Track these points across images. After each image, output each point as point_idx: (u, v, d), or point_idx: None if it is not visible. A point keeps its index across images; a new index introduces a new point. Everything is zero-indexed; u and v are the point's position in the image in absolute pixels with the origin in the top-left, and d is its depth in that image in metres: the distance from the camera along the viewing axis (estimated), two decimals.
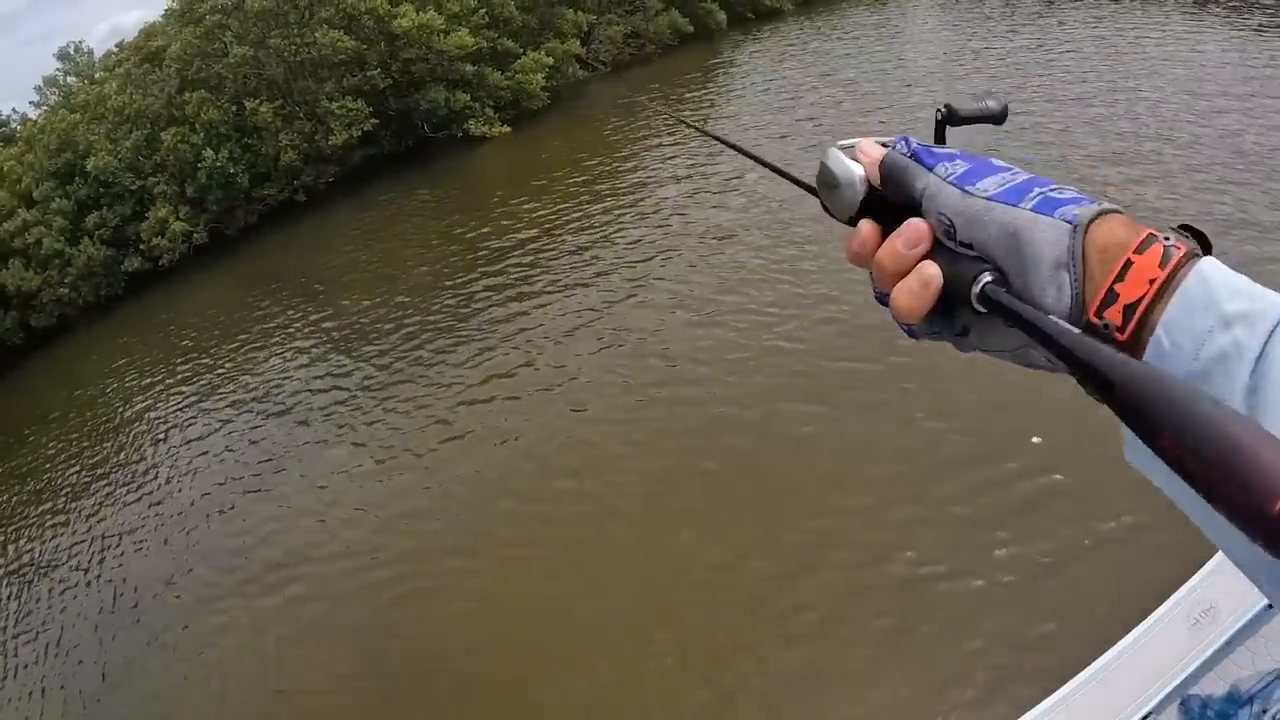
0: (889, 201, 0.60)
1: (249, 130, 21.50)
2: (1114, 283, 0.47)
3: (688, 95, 21.73)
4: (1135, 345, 0.46)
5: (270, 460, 9.95)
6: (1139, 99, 15.23)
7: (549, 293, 11.81)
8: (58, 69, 36.03)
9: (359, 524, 8.00)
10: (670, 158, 17.17)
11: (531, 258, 13.40)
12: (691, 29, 27.50)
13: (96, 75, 32.08)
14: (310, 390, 11.42)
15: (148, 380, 14.64)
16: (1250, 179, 10.84)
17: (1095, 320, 0.47)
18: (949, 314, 0.56)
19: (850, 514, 6.08)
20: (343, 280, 15.81)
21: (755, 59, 25.32)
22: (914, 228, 0.55)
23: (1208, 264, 0.46)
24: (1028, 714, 3.05)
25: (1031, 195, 0.51)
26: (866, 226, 0.59)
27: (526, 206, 15.97)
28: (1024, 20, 25.36)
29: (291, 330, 14.03)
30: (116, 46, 32.87)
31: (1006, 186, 0.52)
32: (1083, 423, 5.91)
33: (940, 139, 0.64)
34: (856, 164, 0.61)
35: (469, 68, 20.55)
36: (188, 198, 21.74)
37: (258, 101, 20.40)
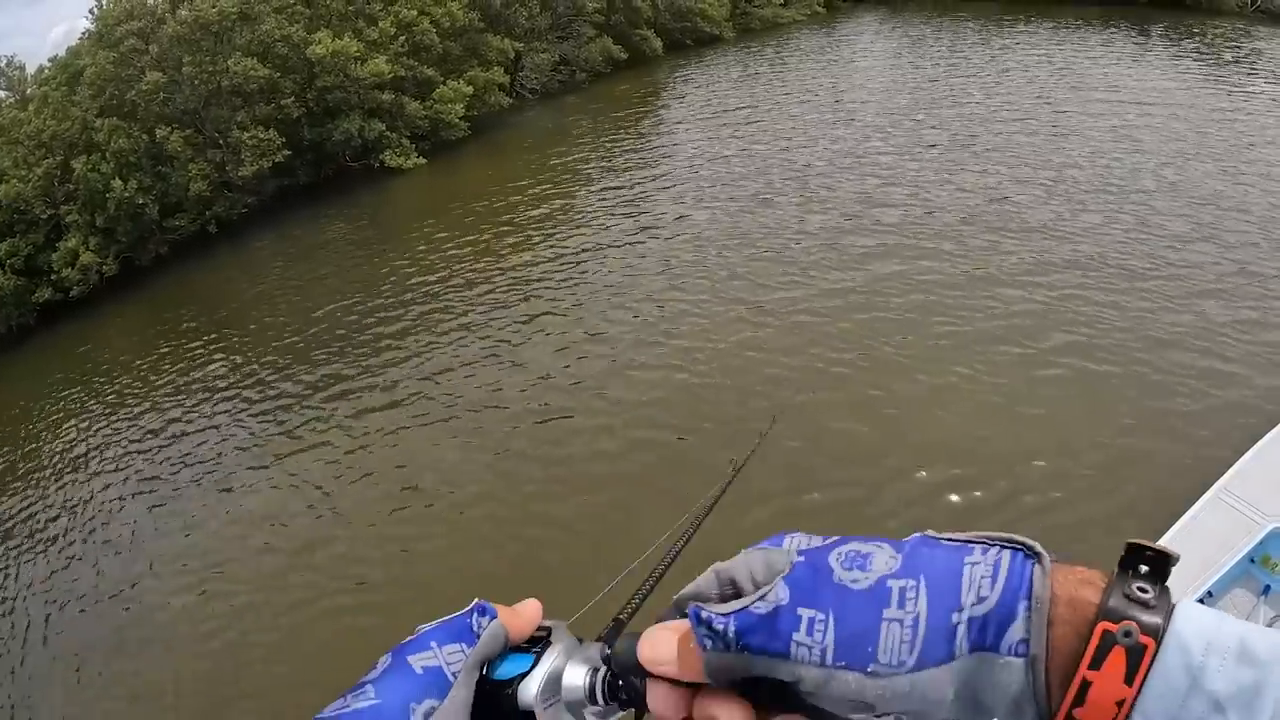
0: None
1: (163, 158, 21.00)
2: (1072, 708, 0.39)
3: (612, 135, 21.65)
4: None
5: (173, 489, 10.20)
6: (1068, 125, 16.43)
7: (447, 331, 12.23)
8: None
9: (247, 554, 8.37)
10: (582, 193, 17.28)
11: (432, 293, 13.76)
12: (625, 56, 27.32)
13: (28, 91, 31.38)
14: (213, 425, 11.65)
15: (55, 412, 14.46)
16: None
17: None
18: None
19: None
20: (251, 314, 15.84)
21: (684, 85, 25.30)
22: None
23: (1183, 620, 0.39)
24: None
25: (957, 634, 0.41)
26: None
27: (437, 239, 16.19)
28: (966, 48, 25.59)
29: (199, 365, 13.96)
30: (49, 61, 32.15)
31: (920, 638, 0.41)
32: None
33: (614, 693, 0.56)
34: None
35: (385, 96, 20.24)
36: (98, 228, 21.19)
37: (169, 130, 19.91)
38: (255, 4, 19.64)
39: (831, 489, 7.01)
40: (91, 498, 10.70)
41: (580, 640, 0.62)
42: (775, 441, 7.45)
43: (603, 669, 0.58)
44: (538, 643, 0.60)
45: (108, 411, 13.36)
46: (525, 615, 0.60)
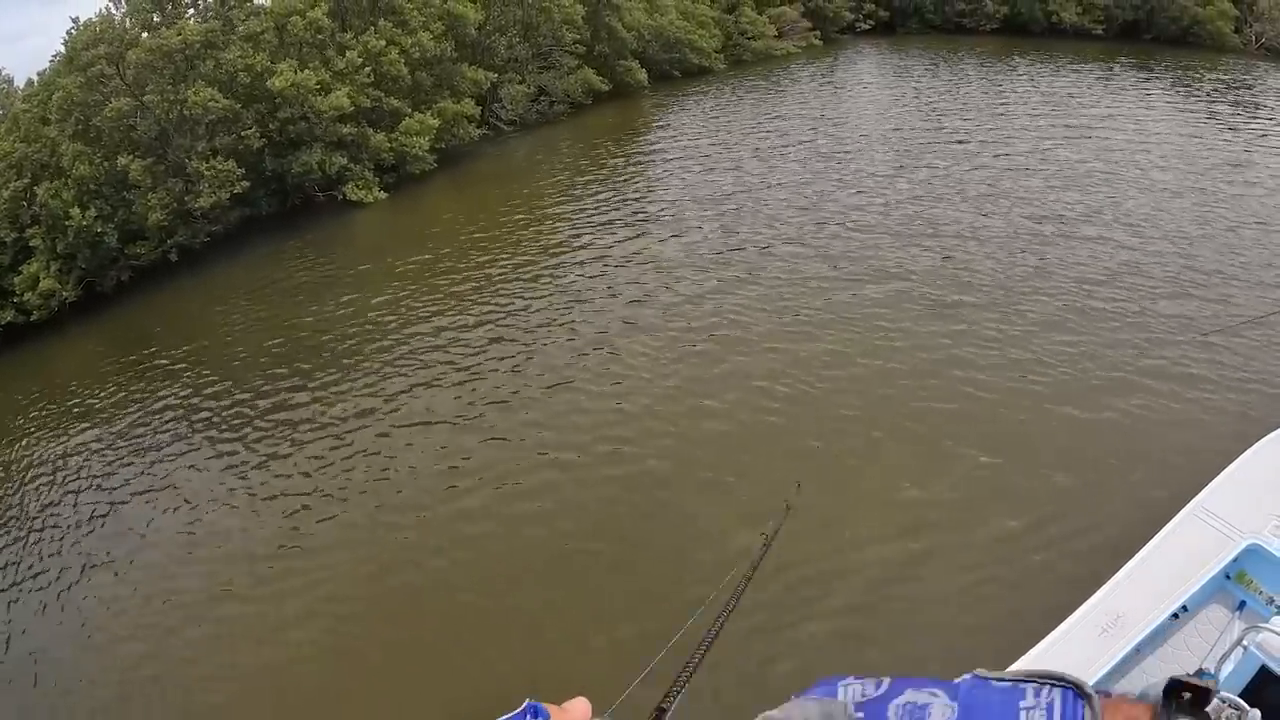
0: None
1: (127, 185, 20.67)
2: None
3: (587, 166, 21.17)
4: None
5: (118, 503, 10.41)
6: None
7: (397, 375, 12.23)
8: None
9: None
10: (545, 225, 17.08)
11: (383, 326, 13.82)
12: (607, 87, 26.77)
13: (14, 106, 31.28)
14: (164, 442, 11.80)
15: (12, 431, 14.46)
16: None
17: None
18: None
19: None
20: (207, 342, 15.70)
21: (666, 116, 24.79)
22: None
23: None
24: None
25: None
26: None
27: (390, 273, 16.06)
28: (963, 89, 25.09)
29: (153, 389, 13.94)
30: (37, 75, 32.08)
31: None
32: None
33: None
34: None
35: (346, 129, 19.81)
36: (59, 254, 20.90)
37: (130, 158, 19.57)
38: (221, 32, 19.31)
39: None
40: (42, 508, 11.08)
41: None
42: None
43: None
44: None
45: (63, 430, 13.50)
46: (574, 715, 0.59)
